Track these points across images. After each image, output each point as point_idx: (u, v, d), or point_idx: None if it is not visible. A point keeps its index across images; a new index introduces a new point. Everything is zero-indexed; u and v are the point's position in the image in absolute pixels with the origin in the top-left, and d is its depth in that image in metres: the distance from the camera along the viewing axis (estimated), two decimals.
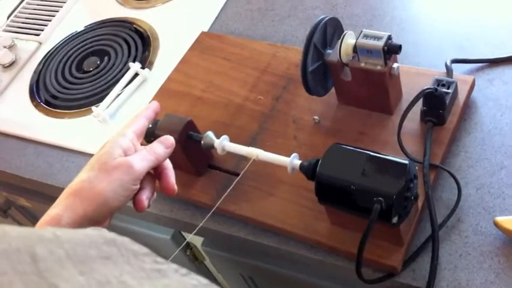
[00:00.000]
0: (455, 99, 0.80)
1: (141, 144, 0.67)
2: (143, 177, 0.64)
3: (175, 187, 0.67)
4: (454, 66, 0.84)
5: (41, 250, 0.36)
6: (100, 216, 0.60)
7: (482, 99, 0.83)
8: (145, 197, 0.64)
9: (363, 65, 0.76)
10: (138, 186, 0.63)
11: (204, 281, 0.39)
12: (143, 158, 0.63)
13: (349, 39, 0.77)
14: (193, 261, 1.09)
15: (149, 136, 0.81)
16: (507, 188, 0.73)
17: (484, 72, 0.85)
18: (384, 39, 0.74)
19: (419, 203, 0.72)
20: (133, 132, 0.66)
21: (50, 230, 0.38)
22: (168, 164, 0.68)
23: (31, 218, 1.30)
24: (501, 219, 0.69)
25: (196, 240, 1.03)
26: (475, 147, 0.78)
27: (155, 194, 0.67)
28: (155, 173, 0.67)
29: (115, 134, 0.66)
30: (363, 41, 0.75)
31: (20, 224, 1.32)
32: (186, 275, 0.39)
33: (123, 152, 0.63)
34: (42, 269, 0.34)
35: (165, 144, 0.67)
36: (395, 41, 0.75)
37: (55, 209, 0.59)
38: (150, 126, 0.82)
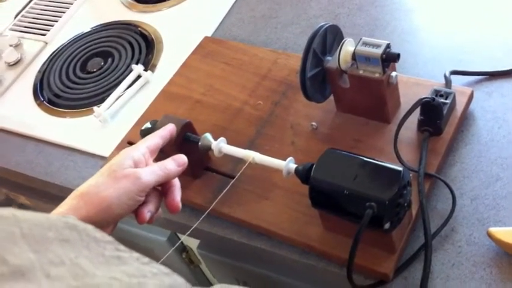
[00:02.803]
0: (452, 110, 0.80)
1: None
2: (150, 192, 0.65)
3: (180, 205, 0.67)
4: (453, 77, 0.84)
5: None
6: (102, 221, 0.61)
7: (480, 111, 0.83)
8: (147, 210, 0.65)
9: (361, 72, 0.77)
10: (143, 199, 0.64)
11: (165, 270, 0.40)
12: (152, 172, 0.65)
13: (349, 47, 0.77)
14: (189, 264, 1.09)
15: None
16: (502, 199, 0.73)
17: (483, 84, 0.86)
18: (383, 48, 0.74)
19: (414, 211, 0.72)
20: (146, 147, 0.68)
21: (9, 210, 0.39)
22: (176, 181, 0.69)
23: None
24: (495, 230, 0.69)
25: (192, 243, 1.03)
26: (471, 159, 0.78)
27: (160, 211, 0.68)
28: (162, 189, 0.68)
29: (129, 147, 0.68)
30: (361, 48, 0.75)
31: None
32: (147, 263, 0.40)
33: (133, 163, 0.65)
34: None
35: (177, 162, 0.69)
36: (396, 51, 0.75)
37: (60, 209, 0.60)
38: (149, 126, 0.82)
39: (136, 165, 0.65)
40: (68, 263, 0.37)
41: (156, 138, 0.71)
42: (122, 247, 0.41)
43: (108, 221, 0.62)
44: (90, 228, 0.41)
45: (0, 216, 0.38)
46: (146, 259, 0.41)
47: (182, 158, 0.70)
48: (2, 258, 0.34)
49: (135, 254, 0.41)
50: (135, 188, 0.62)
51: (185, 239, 1.03)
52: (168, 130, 0.74)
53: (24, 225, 0.38)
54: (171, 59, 1.09)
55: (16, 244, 0.36)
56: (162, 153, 0.83)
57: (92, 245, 0.39)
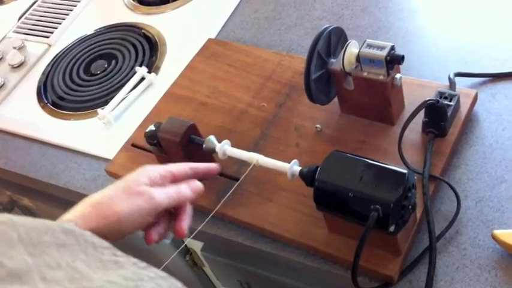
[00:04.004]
0: (457, 111, 0.80)
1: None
2: (161, 213, 0.65)
3: (186, 232, 0.68)
4: (458, 79, 0.84)
5: None
6: (110, 234, 0.60)
7: (484, 113, 0.83)
8: (156, 231, 0.65)
9: (365, 74, 0.77)
10: (153, 219, 0.64)
11: (162, 274, 0.40)
12: (166, 194, 0.65)
13: (353, 49, 0.77)
14: (193, 266, 1.09)
15: (152, 138, 0.82)
16: (506, 201, 0.73)
17: (487, 86, 0.85)
18: (387, 50, 0.74)
19: (418, 214, 0.72)
20: (169, 170, 0.68)
21: (6, 216, 0.40)
22: (187, 207, 0.69)
23: None
24: (499, 233, 0.69)
25: (195, 245, 1.03)
26: (475, 160, 0.78)
27: (168, 233, 0.68)
28: (173, 211, 0.68)
29: (149, 165, 0.68)
30: (366, 50, 0.75)
31: None
32: (144, 268, 0.41)
33: (149, 181, 0.65)
34: None
35: (192, 188, 0.68)
36: (400, 52, 0.75)
37: (69, 215, 0.60)
38: (153, 128, 0.82)
39: (151, 184, 0.65)
40: (65, 266, 0.37)
41: (186, 167, 0.70)
42: (119, 252, 0.41)
43: (115, 235, 0.61)
44: (88, 233, 0.42)
45: None
46: (143, 264, 0.41)
47: (198, 185, 0.69)
48: None
49: (133, 259, 0.41)
50: (147, 206, 0.62)
51: (189, 241, 1.03)
52: (205, 167, 0.73)
53: (21, 229, 0.39)
54: (175, 61, 1.09)
55: (13, 247, 0.37)
56: (166, 155, 0.83)
57: (90, 250, 0.40)
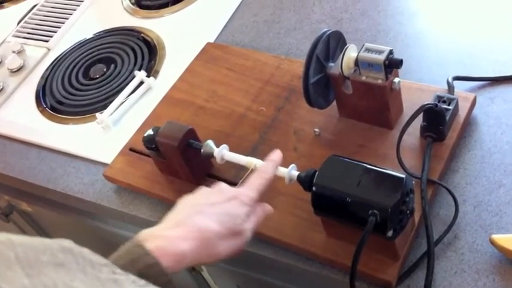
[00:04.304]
0: (455, 115, 0.80)
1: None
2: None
3: None
4: (456, 83, 0.84)
5: None
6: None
7: (483, 117, 0.83)
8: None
9: (364, 78, 0.77)
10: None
11: None
12: (254, 229, 0.68)
13: (351, 53, 0.77)
14: (191, 271, 1.09)
15: (150, 143, 0.82)
16: (505, 206, 0.73)
17: (486, 90, 0.85)
18: (386, 54, 0.74)
19: (416, 218, 0.72)
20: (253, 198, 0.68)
21: (4, 235, 0.40)
22: None
23: (33, 224, 1.31)
24: (498, 237, 0.69)
25: None
26: (474, 165, 0.78)
27: None
28: None
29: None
30: (364, 54, 0.75)
31: (21, 229, 1.33)
32: (143, 286, 0.41)
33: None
34: None
35: (265, 212, 0.70)
36: (399, 56, 0.75)
37: (185, 245, 0.59)
38: (152, 133, 0.82)
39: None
40: (62, 286, 0.37)
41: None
42: (118, 270, 0.41)
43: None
44: (85, 251, 0.41)
45: None
46: (142, 281, 0.41)
47: (270, 209, 0.71)
48: None
49: (132, 277, 0.41)
50: (242, 245, 0.66)
51: None
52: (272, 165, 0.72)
53: (19, 249, 0.38)
54: (174, 65, 1.09)
55: (11, 268, 0.37)
56: (165, 160, 0.83)
57: (88, 269, 0.39)
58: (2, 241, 0.39)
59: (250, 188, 0.68)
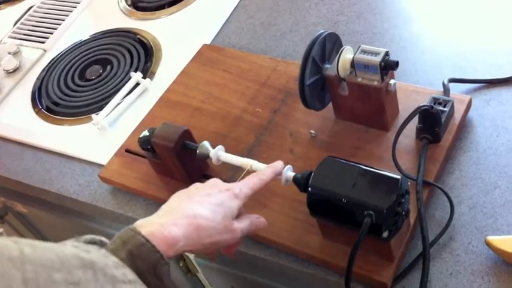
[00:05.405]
0: (451, 117, 0.80)
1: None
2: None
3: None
4: (452, 85, 0.84)
5: None
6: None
7: (478, 119, 0.83)
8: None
9: (360, 80, 0.77)
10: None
11: None
12: (245, 231, 0.68)
13: (347, 54, 0.77)
14: (186, 273, 1.08)
15: (146, 144, 0.82)
16: (500, 208, 0.73)
17: (481, 92, 0.86)
18: (381, 55, 0.74)
19: (412, 219, 0.72)
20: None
21: (19, 246, 0.36)
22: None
23: (28, 225, 1.31)
24: (493, 239, 0.69)
25: None
26: (469, 166, 0.78)
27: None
28: None
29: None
30: (360, 56, 0.75)
31: (16, 230, 1.32)
32: None
33: (237, 212, 0.67)
34: None
35: (257, 226, 0.70)
36: (395, 58, 0.75)
37: (176, 229, 0.59)
38: (147, 134, 0.82)
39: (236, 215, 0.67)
40: None
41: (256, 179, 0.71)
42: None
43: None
44: (111, 263, 0.38)
45: (6, 257, 0.35)
46: None
47: (263, 222, 0.71)
48: None
49: None
50: (231, 242, 0.66)
51: None
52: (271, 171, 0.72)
53: (28, 268, 0.35)
54: (170, 66, 1.09)
55: None
56: (160, 161, 0.83)
57: (107, 286, 0.37)
58: (11, 258, 0.35)
59: (244, 184, 0.69)
